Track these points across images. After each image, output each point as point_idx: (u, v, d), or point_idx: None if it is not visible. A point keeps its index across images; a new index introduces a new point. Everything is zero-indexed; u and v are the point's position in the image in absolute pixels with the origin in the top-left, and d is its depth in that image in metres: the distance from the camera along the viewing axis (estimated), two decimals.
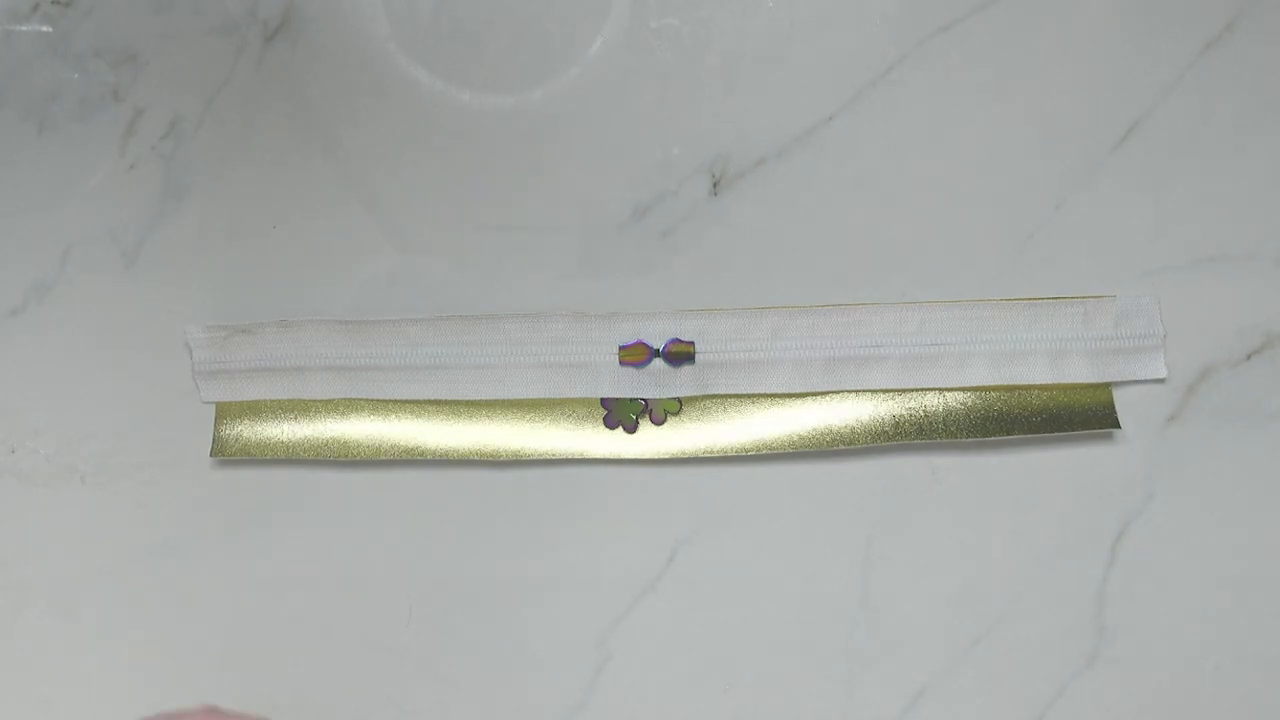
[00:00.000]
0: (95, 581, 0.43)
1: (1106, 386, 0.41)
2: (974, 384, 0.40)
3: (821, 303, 0.41)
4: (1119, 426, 0.40)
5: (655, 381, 0.41)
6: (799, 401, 0.41)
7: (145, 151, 0.43)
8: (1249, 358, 0.41)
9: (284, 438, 0.42)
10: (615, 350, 0.41)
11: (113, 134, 0.43)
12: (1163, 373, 0.41)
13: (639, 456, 0.41)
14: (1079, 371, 0.41)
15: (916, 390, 0.41)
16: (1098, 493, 0.41)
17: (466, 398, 0.41)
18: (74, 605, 0.43)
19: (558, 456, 0.41)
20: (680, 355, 0.41)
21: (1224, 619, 0.41)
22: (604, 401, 0.41)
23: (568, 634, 0.41)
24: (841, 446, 0.40)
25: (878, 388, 0.41)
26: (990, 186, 0.42)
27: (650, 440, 0.41)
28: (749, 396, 0.41)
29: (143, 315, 0.43)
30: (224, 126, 0.43)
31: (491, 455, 0.41)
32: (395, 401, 0.42)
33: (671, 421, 0.41)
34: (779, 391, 0.41)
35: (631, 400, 0.41)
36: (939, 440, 0.41)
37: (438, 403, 0.42)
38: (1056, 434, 0.41)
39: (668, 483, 0.42)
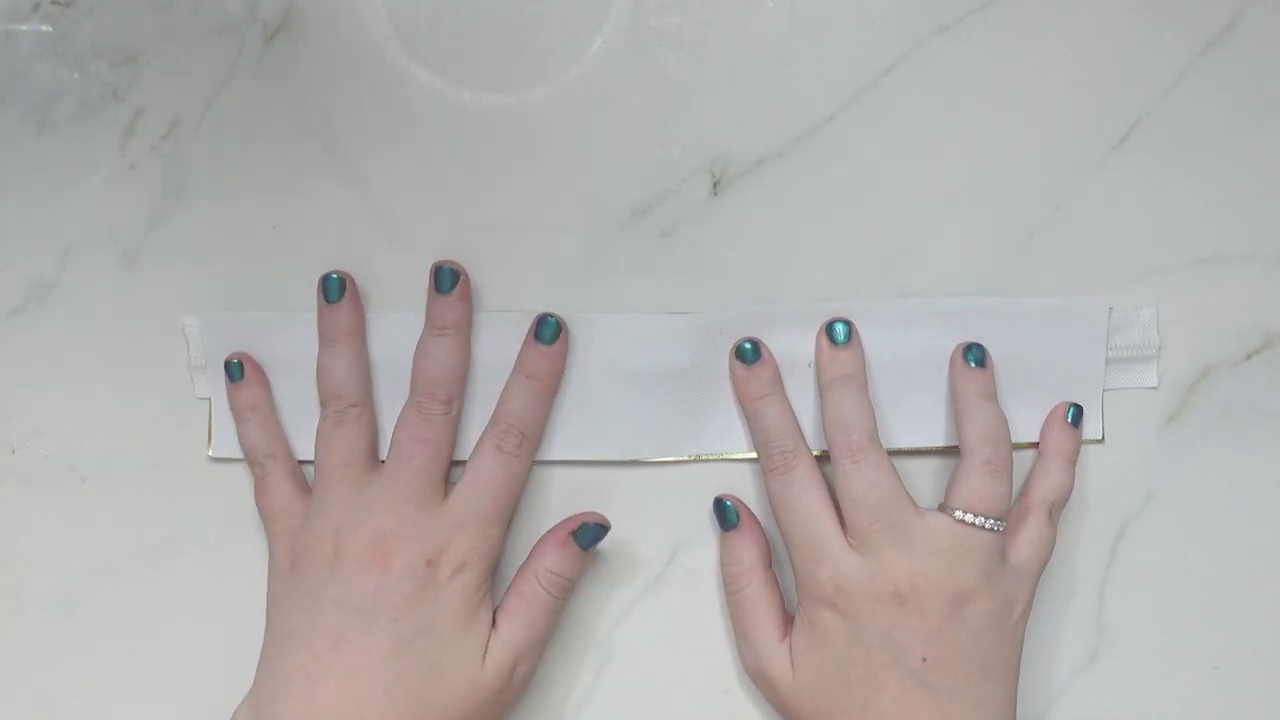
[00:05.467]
0: (95, 581, 0.43)
1: None
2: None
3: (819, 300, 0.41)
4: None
5: None
6: None
7: (145, 151, 0.43)
8: (1249, 358, 0.41)
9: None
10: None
11: (113, 134, 0.43)
12: (1154, 382, 0.41)
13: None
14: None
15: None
16: (1098, 493, 0.41)
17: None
18: (74, 605, 0.43)
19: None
20: None
21: (1224, 619, 0.41)
22: None
23: (568, 634, 0.41)
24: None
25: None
26: (990, 186, 0.42)
27: None
28: None
29: (143, 315, 0.43)
30: (224, 126, 0.43)
31: None
32: None
33: None
34: None
35: None
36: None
37: None
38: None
39: (668, 483, 0.42)
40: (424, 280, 0.41)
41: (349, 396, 0.40)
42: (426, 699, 0.36)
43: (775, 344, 0.41)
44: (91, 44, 0.43)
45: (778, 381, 0.40)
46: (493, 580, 0.39)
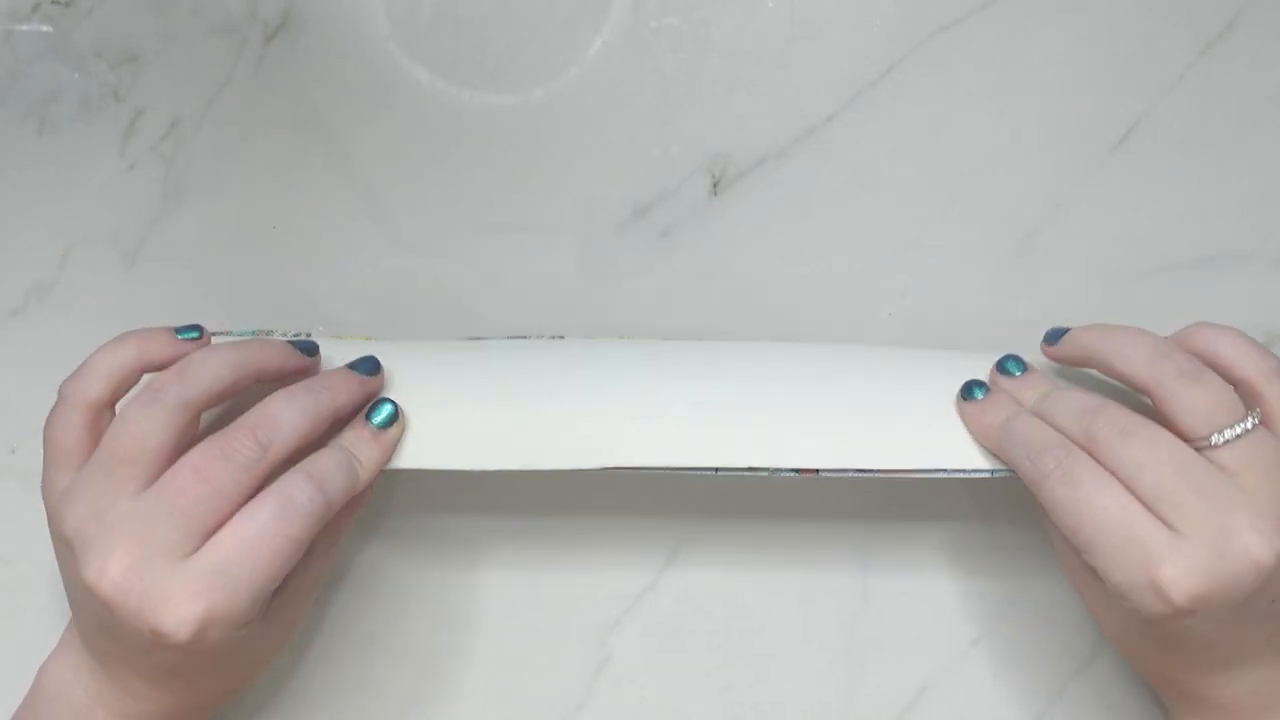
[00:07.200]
0: None
1: None
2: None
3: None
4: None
5: None
6: None
7: (145, 152, 0.43)
8: None
9: None
10: None
11: (113, 134, 0.43)
12: None
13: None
14: None
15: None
16: None
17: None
18: None
19: None
20: None
21: None
22: None
23: (568, 634, 0.41)
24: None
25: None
26: (990, 186, 0.42)
27: None
28: None
29: (143, 315, 0.43)
30: (224, 126, 0.43)
31: None
32: None
33: None
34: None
35: None
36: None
37: None
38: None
39: (668, 484, 0.42)
40: (424, 281, 0.41)
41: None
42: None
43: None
44: (91, 44, 0.43)
45: (1013, 400, 0.35)
46: None
